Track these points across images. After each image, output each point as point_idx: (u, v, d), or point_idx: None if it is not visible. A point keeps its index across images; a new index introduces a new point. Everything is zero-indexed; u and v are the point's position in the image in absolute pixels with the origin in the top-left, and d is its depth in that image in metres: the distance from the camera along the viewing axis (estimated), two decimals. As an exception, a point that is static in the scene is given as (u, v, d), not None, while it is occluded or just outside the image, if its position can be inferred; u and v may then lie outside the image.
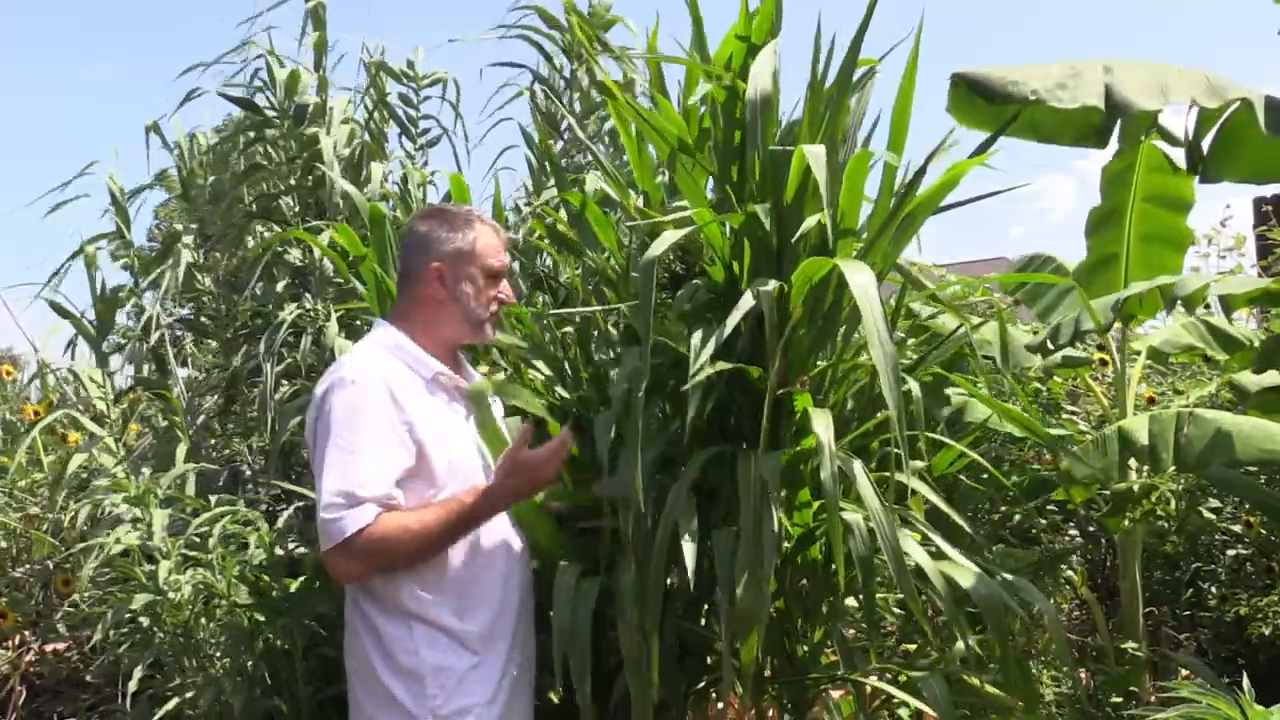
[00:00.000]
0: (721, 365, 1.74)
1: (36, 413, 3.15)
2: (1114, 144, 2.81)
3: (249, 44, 3.36)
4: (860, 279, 1.61)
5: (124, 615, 2.21)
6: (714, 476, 1.87)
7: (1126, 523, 3.16)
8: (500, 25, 3.45)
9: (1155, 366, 4.17)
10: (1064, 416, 3.71)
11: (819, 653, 2.01)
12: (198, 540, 2.31)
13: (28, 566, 3.09)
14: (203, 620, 2.21)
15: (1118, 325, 3.26)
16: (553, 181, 3.05)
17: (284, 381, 3.11)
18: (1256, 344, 3.28)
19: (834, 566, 1.80)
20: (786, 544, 1.90)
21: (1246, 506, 3.47)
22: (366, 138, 3.46)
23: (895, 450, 1.72)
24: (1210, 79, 2.45)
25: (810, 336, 1.90)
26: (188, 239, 3.27)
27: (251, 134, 3.41)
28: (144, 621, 2.22)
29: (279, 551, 2.43)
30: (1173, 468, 2.82)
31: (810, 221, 1.79)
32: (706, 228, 1.91)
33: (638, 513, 1.75)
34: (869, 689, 2.01)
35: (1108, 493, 3.13)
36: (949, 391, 2.49)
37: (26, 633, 3.15)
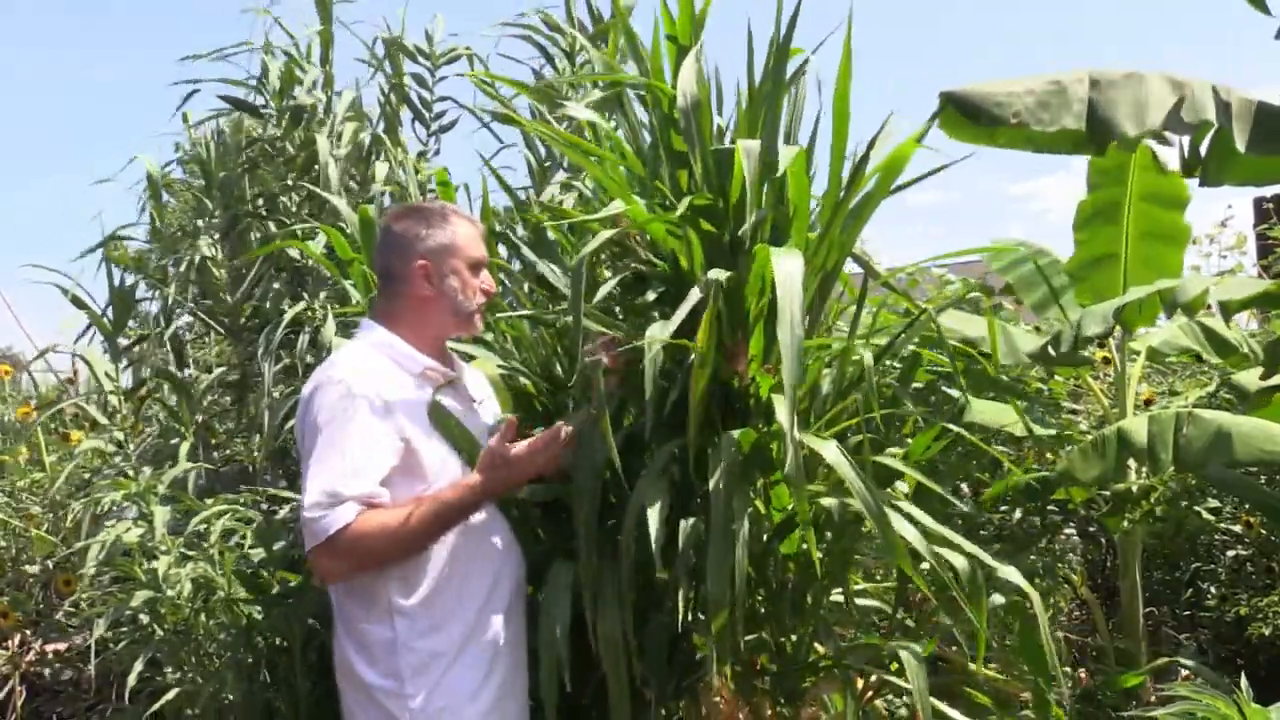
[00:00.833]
0: (665, 340, 1.75)
1: (36, 409, 3.16)
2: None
3: (247, 44, 3.34)
4: (785, 264, 1.64)
5: (124, 613, 2.22)
6: (685, 469, 1.89)
7: (1126, 523, 3.16)
8: (503, 21, 3.44)
9: (1155, 366, 4.17)
10: (1064, 416, 3.70)
11: (808, 645, 2.01)
12: (196, 539, 2.31)
13: (28, 566, 3.09)
14: (202, 617, 2.22)
15: (1118, 329, 3.26)
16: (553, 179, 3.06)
17: (282, 381, 3.11)
18: (1249, 349, 3.28)
19: (816, 554, 1.81)
20: (766, 533, 1.91)
21: (1246, 506, 3.47)
22: (382, 128, 3.40)
23: (866, 435, 1.76)
24: (1194, 90, 2.45)
25: (767, 323, 1.91)
26: (208, 234, 3.25)
27: (251, 134, 3.40)
28: (143, 619, 2.23)
29: (277, 548, 2.43)
30: (1172, 468, 2.82)
31: (754, 217, 1.84)
32: (650, 227, 1.92)
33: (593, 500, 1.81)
34: (859, 681, 2.01)
35: (1108, 493, 3.13)
36: (949, 391, 2.49)
37: (27, 632, 3.15)
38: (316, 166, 3.17)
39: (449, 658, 1.83)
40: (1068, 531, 3.76)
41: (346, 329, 2.80)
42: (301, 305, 3.00)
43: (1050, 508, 3.50)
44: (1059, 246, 3.76)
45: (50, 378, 3.83)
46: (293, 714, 2.19)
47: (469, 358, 2.15)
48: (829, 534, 1.94)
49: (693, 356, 1.77)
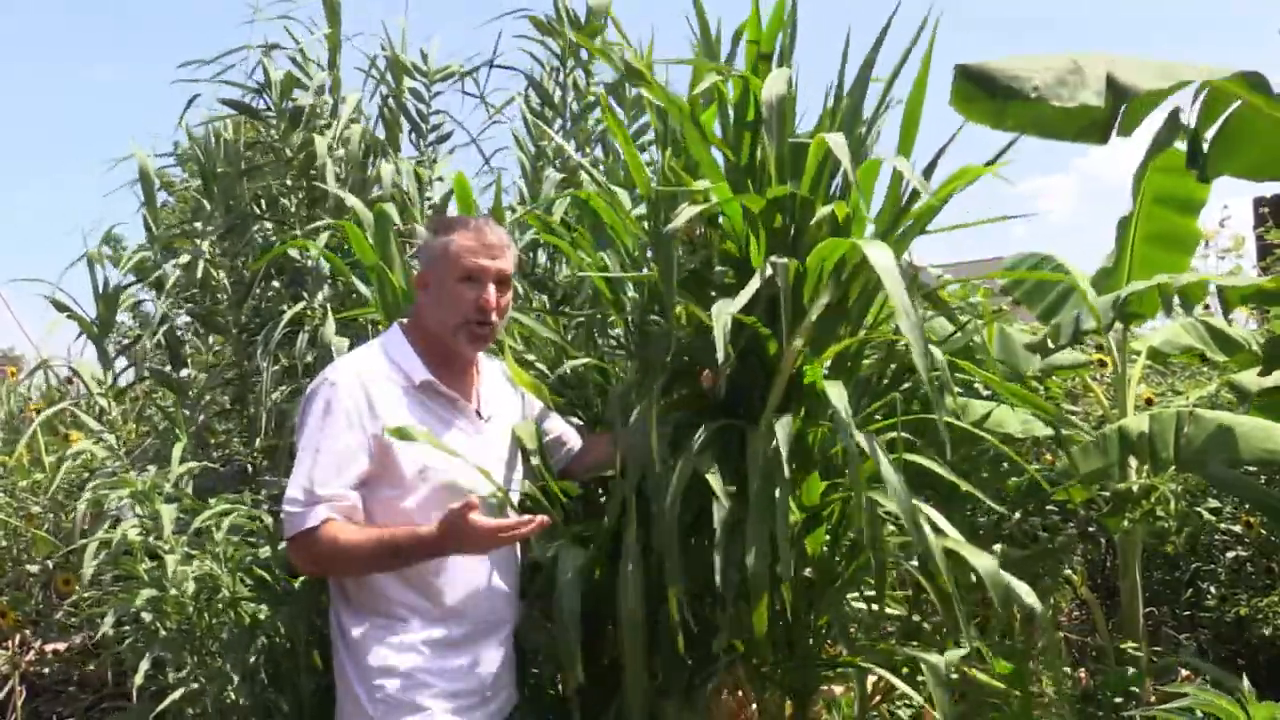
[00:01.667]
0: (737, 316, 1.76)
1: (37, 412, 3.15)
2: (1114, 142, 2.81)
3: (246, 46, 3.34)
4: (881, 256, 1.66)
5: (127, 611, 2.21)
6: (724, 456, 1.89)
7: (1126, 523, 3.16)
8: (491, 19, 3.45)
9: (1155, 367, 4.18)
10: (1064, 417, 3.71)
11: (822, 642, 2.02)
12: (197, 537, 2.31)
13: (28, 566, 3.09)
14: (205, 616, 2.22)
15: (1118, 325, 3.26)
16: (548, 181, 3.06)
17: (282, 381, 3.11)
18: (1255, 345, 3.28)
19: (837, 555, 1.81)
20: (794, 526, 1.92)
21: (1246, 507, 3.47)
22: (382, 134, 3.42)
23: (902, 435, 1.76)
24: (1213, 71, 2.45)
25: (823, 314, 1.92)
26: (209, 235, 3.25)
27: (247, 135, 3.40)
28: (147, 618, 2.22)
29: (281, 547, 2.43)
30: (1173, 468, 2.82)
31: (825, 210, 1.84)
32: (727, 208, 1.94)
33: (653, 476, 1.80)
34: (870, 683, 2.02)
35: (1108, 493, 3.13)
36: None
37: (27, 632, 3.15)
38: (314, 168, 3.17)
39: (424, 661, 1.88)
40: (1071, 532, 3.76)
41: (346, 328, 2.81)
42: (300, 305, 3.00)
43: (1050, 508, 3.51)
44: (1061, 247, 3.78)
45: (50, 378, 3.82)
46: (296, 714, 2.19)
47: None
48: (850, 534, 1.95)
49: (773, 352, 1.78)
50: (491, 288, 1.96)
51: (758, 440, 1.76)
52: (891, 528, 1.98)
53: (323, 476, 1.82)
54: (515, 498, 2.03)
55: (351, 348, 2.48)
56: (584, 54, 3.49)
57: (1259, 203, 5.37)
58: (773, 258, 1.78)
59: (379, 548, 1.81)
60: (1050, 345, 2.96)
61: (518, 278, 2.75)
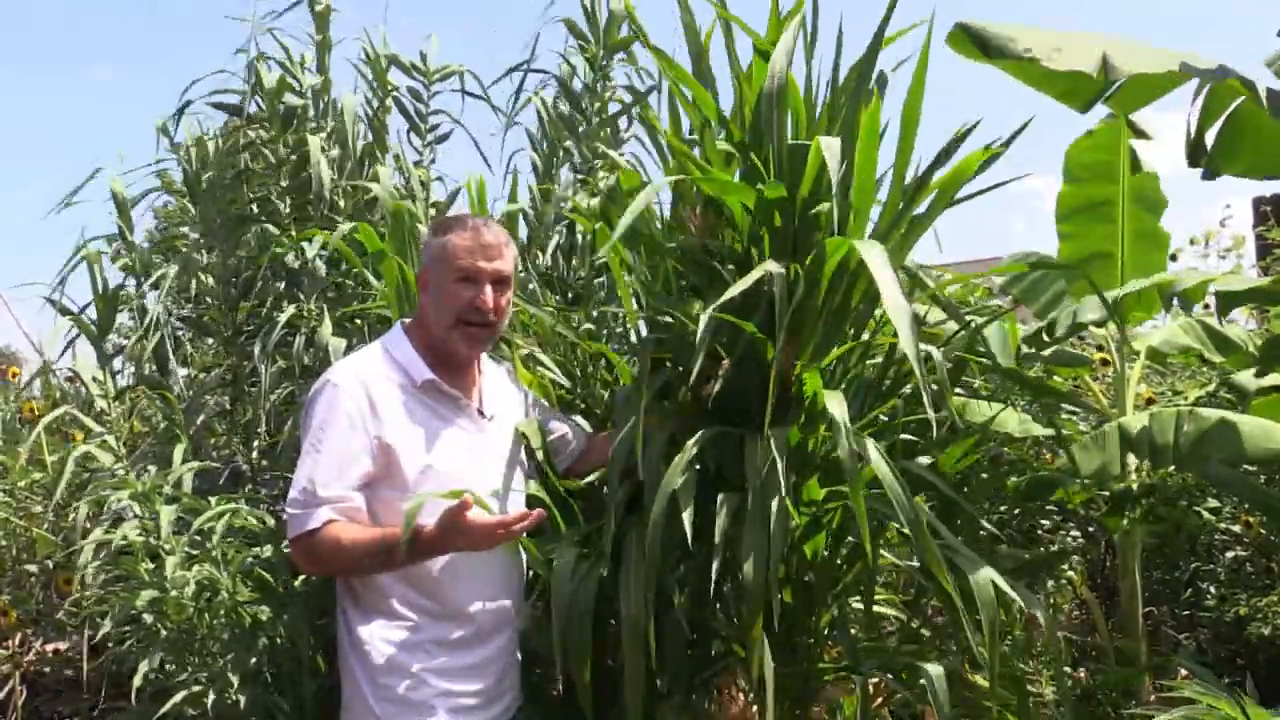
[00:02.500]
0: (737, 321, 1.75)
1: (34, 410, 3.14)
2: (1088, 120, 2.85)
3: (242, 52, 3.35)
4: (873, 252, 1.67)
5: (128, 612, 2.21)
6: (723, 461, 1.89)
7: (1126, 523, 3.16)
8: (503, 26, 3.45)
9: (1154, 366, 4.18)
10: (1063, 416, 3.71)
11: (822, 646, 2.02)
12: (199, 538, 2.31)
13: (29, 566, 3.08)
14: (205, 617, 2.21)
15: (1115, 325, 3.27)
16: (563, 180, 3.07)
17: (280, 383, 3.11)
18: (1253, 347, 3.29)
19: (839, 559, 1.81)
20: (794, 530, 1.91)
21: (1246, 506, 3.47)
22: (370, 137, 3.44)
23: (904, 437, 1.75)
24: (1210, 64, 2.46)
25: (824, 319, 1.92)
26: (194, 237, 3.26)
27: (243, 138, 3.40)
28: (147, 619, 2.22)
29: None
30: (1172, 467, 2.82)
31: (823, 206, 1.85)
32: (731, 202, 1.94)
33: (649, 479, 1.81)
34: (871, 686, 2.01)
35: (1108, 493, 3.13)
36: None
37: (27, 632, 3.14)
38: (307, 170, 3.18)
39: (425, 662, 1.88)
40: (1073, 533, 3.77)
41: (344, 330, 2.82)
42: (292, 309, 3.00)
43: (1049, 508, 3.51)
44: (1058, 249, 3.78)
45: (51, 379, 3.82)
46: (296, 716, 2.19)
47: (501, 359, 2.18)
48: (850, 538, 1.95)
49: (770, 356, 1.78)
50: (488, 288, 1.95)
51: (755, 447, 1.76)
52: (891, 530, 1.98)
53: (325, 478, 1.83)
54: (520, 497, 2.02)
55: (349, 349, 2.48)
56: (604, 60, 3.49)
57: (1259, 202, 5.36)
58: (769, 263, 1.78)
59: (378, 547, 1.81)
60: (1046, 339, 2.97)
61: (529, 276, 2.76)
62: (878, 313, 2.04)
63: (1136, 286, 2.93)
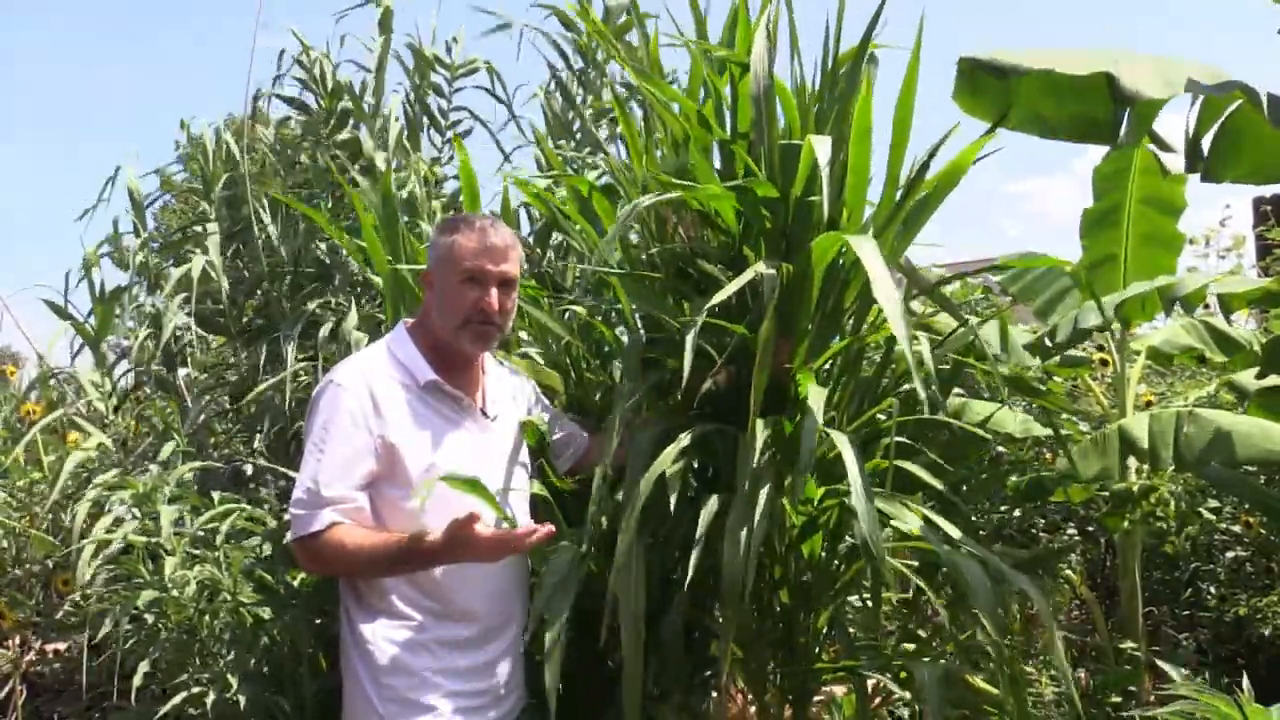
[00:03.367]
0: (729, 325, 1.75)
1: (33, 411, 3.14)
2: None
3: (279, 52, 3.37)
4: (864, 247, 1.65)
5: (129, 612, 2.21)
6: (719, 463, 1.89)
7: (1126, 523, 3.16)
8: (502, 24, 3.44)
9: (1155, 367, 4.18)
10: (1064, 417, 3.71)
11: (820, 645, 2.02)
12: (201, 536, 2.31)
13: (28, 566, 3.08)
14: (206, 617, 2.22)
15: (1117, 325, 3.27)
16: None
17: (301, 374, 3.10)
18: (1256, 346, 3.29)
19: (836, 559, 1.81)
20: (791, 529, 1.91)
21: (1246, 506, 3.47)
22: (404, 134, 3.43)
23: (899, 439, 1.75)
24: (1214, 72, 2.46)
25: (818, 318, 1.91)
26: (213, 236, 3.25)
27: (304, 136, 3.41)
28: (148, 619, 2.22)
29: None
30: (1172, 467, 2.82)
31: (815, 201, 1.83)
32: (720, 206, 1.93)
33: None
34: (869, 686, 2.01)
35: (1107, 493, 3.13)
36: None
37: (27, 632, 3.14)
38: (359, 162, 3.18)
39: (430, 662, 1.88)
40: (1071, 532, 3.77)
41: (369, 321, 2.82)
42: (314, 305, 3.00)
43: (1049, 507, 3.51)
44: (1057, 248, 3.78)
45: (50, 380, 3.82)
46: (297, 716, 2.19)
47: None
48: (848, 537, 1.95)
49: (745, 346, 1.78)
50: (494, 290, 1.95)
51: (746, 444, 1.76)
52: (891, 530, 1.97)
53: (328, 478, 1.83)
54: (523, 497, 2.02)
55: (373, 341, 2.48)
56: (600, 54, 3.48)
57: (1259, 202, 5.37)
58: (759, 265, 1.77)
59: (383, 554, 1.81)
60: (1049, 345, 2.96)
61: (526, 275, 2.75)
62: (872, 311, 2.04)
63: (1136, 291, 2.93)
